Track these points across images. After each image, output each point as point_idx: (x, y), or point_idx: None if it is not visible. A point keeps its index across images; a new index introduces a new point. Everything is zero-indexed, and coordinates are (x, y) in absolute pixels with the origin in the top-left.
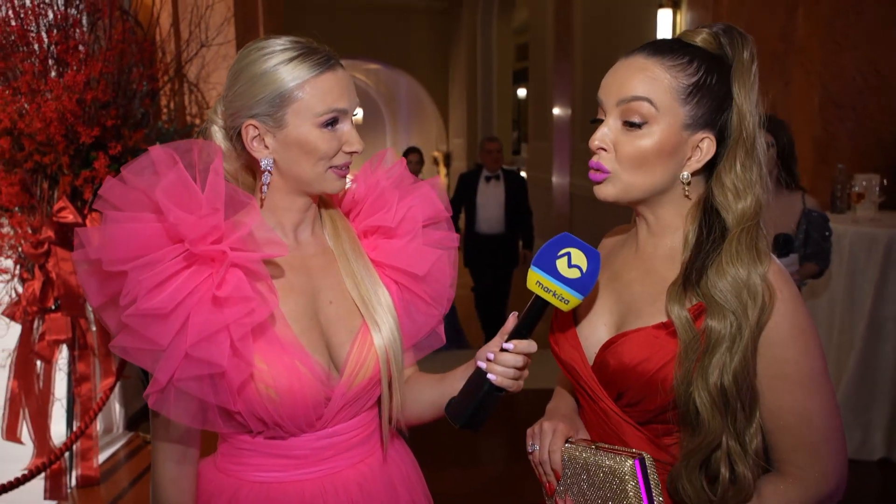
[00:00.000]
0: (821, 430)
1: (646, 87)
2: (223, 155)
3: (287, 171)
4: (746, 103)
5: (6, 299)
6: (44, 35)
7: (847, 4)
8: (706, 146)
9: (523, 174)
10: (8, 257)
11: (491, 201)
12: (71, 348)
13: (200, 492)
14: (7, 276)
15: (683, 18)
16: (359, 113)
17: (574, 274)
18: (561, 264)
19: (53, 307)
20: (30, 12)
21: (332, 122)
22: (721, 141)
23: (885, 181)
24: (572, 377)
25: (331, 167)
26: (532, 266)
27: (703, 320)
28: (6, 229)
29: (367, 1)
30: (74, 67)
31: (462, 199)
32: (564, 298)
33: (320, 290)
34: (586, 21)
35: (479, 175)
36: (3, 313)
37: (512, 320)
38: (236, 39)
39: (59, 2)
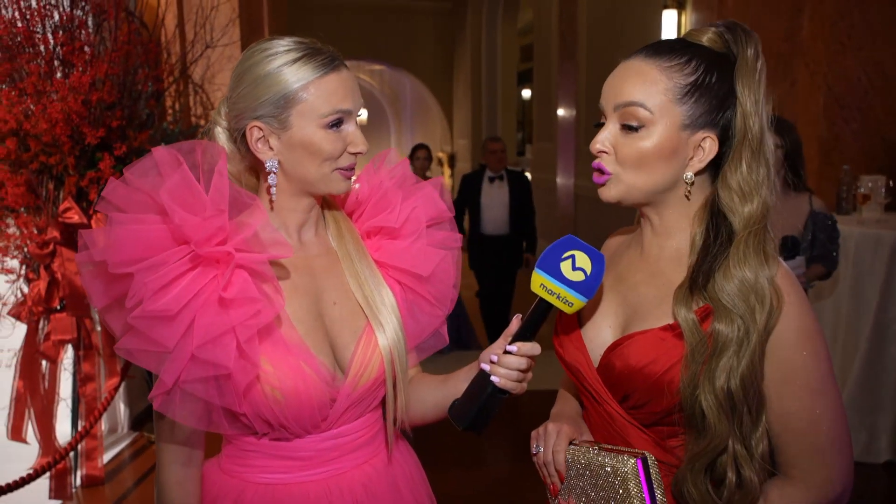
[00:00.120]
0: (827, 435)
1: (640, 91)
2: (227, 156)
3: (292, 172)
4: (750, 102)
5: (12, 299)
6: (49, 36)
7: (852, 5)
8: (708, 146)
9: (528, 175)
10: (14, 257)
11: (495, 202)
12: (76, 348)
13: (205, 493)
14: (13, 277)
15: (688, 19)
16: (363, 114)
17: (578, 277)
18: (565, 267)
19: (59, 307)
20: (36, 14)
21: (336, 123)
22: (725, 141)
23: (890, 182)
24: (577, 379)
25: (336, 169)
26: (536, 269)
27: (709, 322)
28: (12, 230)
29: (371, 2)
30: (80, 68)
31: (466, 200)
32: (568, 301)
33: (324, 290)
34: (591, 22)
35: (483, 176)
36: (8, 313)
37: (515, 322)
38: (241, 40)
39: (65, 3)
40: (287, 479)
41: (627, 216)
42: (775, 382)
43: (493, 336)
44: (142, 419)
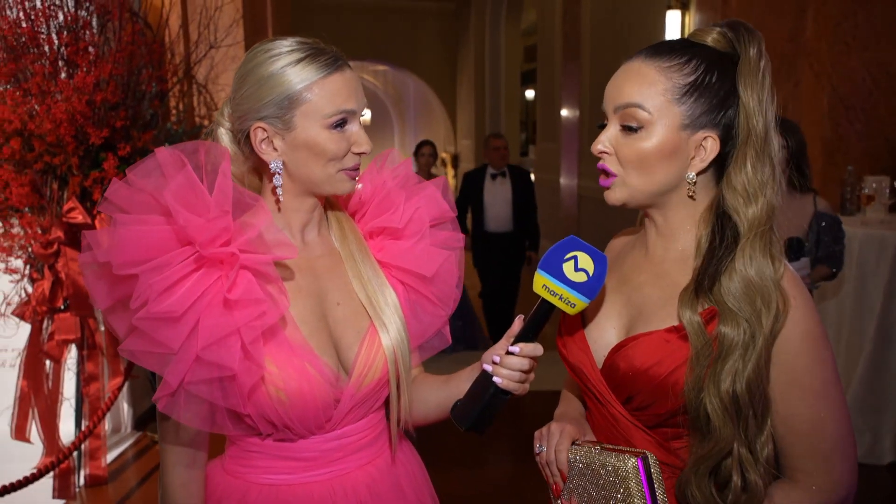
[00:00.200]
0: (832, 438)
1: (639, 92)
2: (230, 157)
3: (296, 173)
4: (753, 101)
5: (16, 299)
6: (54, 37)
7: (856, 5)
8: (709, 145)
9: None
10: (18, 257)
11: (498, 199)
12: (80, 348)
13: (209, 495)
14: (17, 276)
15: (692, 20)
16: (367, 114)
17: (580, 278)
18: (567, 268)
19: (62, 307)
20: (40, 14)
21: (340, 124)
22: (728, 140)
23: (894, 183)
24: (580, 380)
25: (341, 169)
26: (538, 269)
27: (714, 325)
28: (16, 229)
29: (375, 2)
30: (84, 69)
31: (468, 198)
32: (571, 302)
33: (328, 291)
34: (594, 22)
35: (485, 173)
36: (12, 313)
37: (518, 323)
38: (245, 41)
39: (70, 4)
40: (291, 480)
41: (631, 216)
42: (780, 385)
43: (496, 335)
44: (145, 419)
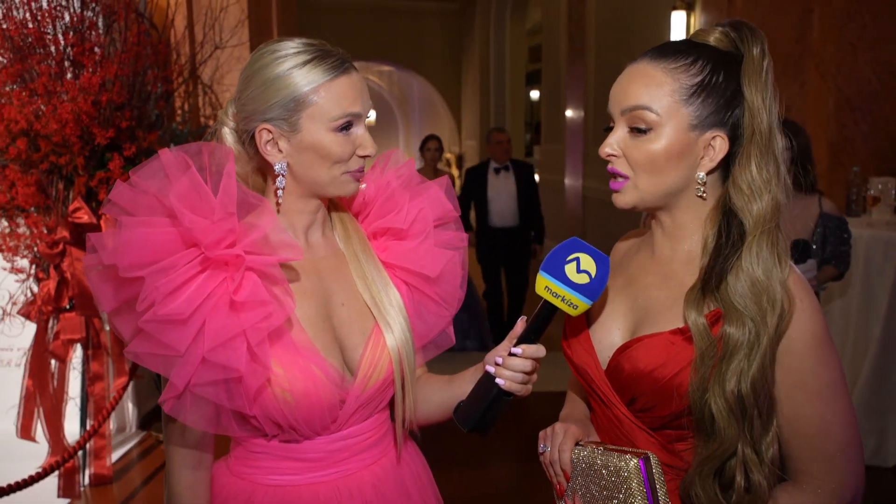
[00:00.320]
0: (838, 441)
1: (646, 94)
2: (234, 157)
3: (301, 175)
4: (757, 100)
5: (21, 299)
6: (60, 37)
7: (862, 6)
8: (718, 145)
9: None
10: (24, 257)
11: (502, 194)
12: (85, 348)
13: (214, 495)
14: (23, 276)
15: (697, 20)
16: (371, 115)
17: (583, 279)
18: (570, 269)
19: (68, 307)
20: (46, 15)
21: (346, 127)
22: (735, 139)
23: None
24: (585, 381)
25: (346, 172)
26: (541, 271)
27: (720, 326)
28: (22, 229)
29: (380, 3)
30: (90, 69)
31: (471, 193)
32: (573, 304)
33: (332, 292)
34: (600, 23)
35: (488, 168)
36: (18, 312)
37: (520, 324)
38: (250, 41)
39: (76, 4)
40: (297, 481)
41: (635, 216)
42: (786, 388)
43: (499, 335)
44: (150, 418)
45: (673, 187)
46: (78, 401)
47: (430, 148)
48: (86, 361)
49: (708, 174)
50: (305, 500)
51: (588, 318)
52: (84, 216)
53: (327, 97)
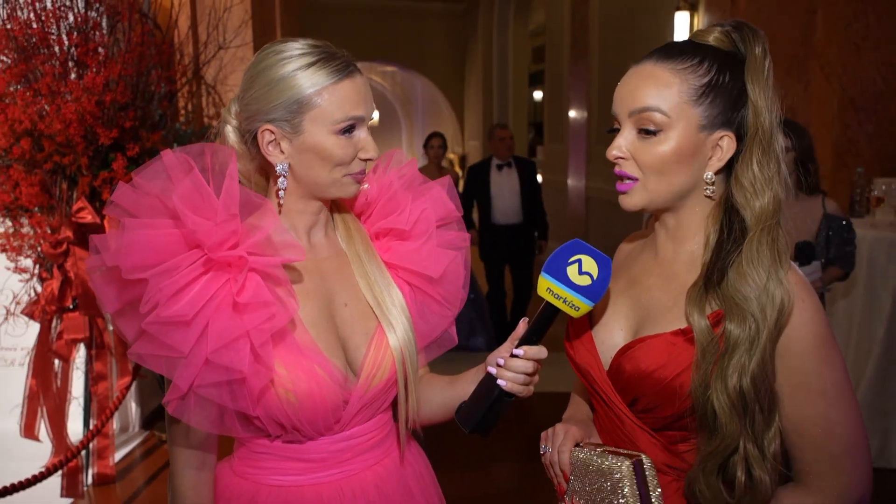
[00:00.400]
0: (844, 442)
1: (655, 95)
2: (237, 156)
3: (302, 176)
4: (761, 99)
5: (25, 298)
6: (64, 37)
7: (866, 6)
8: (726, 144)
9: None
10: (27, 257)
11: (505, 191)
12: (88, 347)
13: (218, 496)
14: (26, 276)
15: (701, 21)
16: (375, 116)
17: (585, 281)
18: (571, 271)
19: (71, 306)
20: (50, 15)
21: (348, 130)
22: (740, 139)
23: None
24: (587, 382)
25: (347, 174)
26: (542, 273)
27: (721, 326)
28: (26, 229)
29: (383, 3)
30: (94, 69)
31: (474, 191)
32: (575, 305)
33: (335, 292)
34: (603, 23)
35: (490, 165)
36: (22, 312)
37: (522, 326)
38: (254, 42)
39: (80, 4)
40: (300, 481)
41: (639, 217)
42: (790, 388)
43: (502, 335)
44: (153, 418)
45: (681, 188)
46: (81, 400)
47: (434, 145)
48: (89, 361)
49: (715, 173)
50: (308, 501)
51: (590, 319)
52: (88, 216)
53: (331, 100)
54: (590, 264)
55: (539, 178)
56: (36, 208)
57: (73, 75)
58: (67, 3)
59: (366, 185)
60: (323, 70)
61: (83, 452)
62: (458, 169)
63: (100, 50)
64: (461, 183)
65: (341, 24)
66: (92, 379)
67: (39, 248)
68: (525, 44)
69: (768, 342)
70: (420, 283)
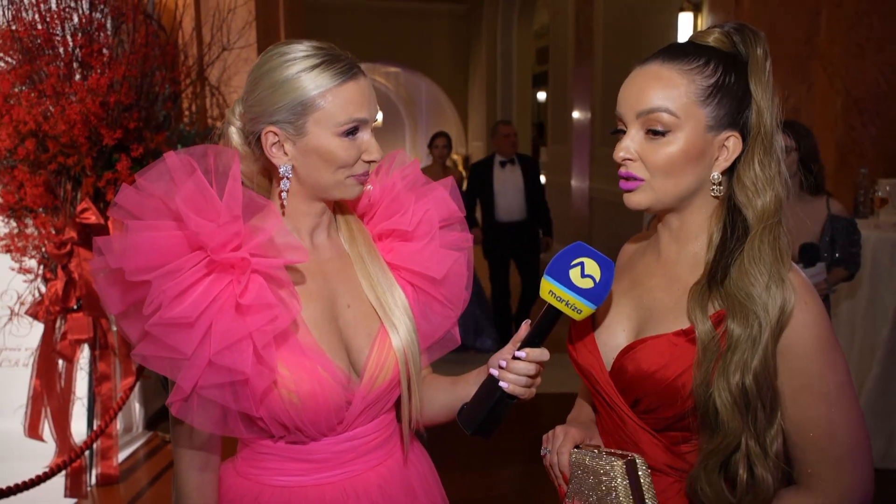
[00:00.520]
0: (846, 445)
1: (663, 96)
2: (240, 157)
3: (306, 177)
4: (764, 100)
5: (29, 299)
6: (69, 38)
7: (870, 7)
8: (732, 144)
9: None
10: (32, 257)
11: (509, 188)
12: (92, 348)
13: (222, 496)
14: (31, 276)
15: (704, 21)
16: (379, 117)
17: (587, 284)
18: (574, 274)
19: (75, 307)
20: (55, 16)
21: (352, 132)
22: (744, 139)
23: None
24: (589, 383)
25: (351, 175)
26: (545, 275)
27: (723, 325)
28: (30, 230)
29: (387, 4)
30: (98, 70)
31: (477, 189)
32: (577, 308)
33: (338, 293)
34: (607, 24)
35: (493, 162)
36: (26, 313)
37: (524, 328)
38: (258, 43)
39: (84, 6)
40: (303, 482)
41: (642, 218)
42: (792, 390)
43: (505, 335)
44: (156, 419)
45: (688, 188)
46: (85, 401)
47: (439, 145)
48: (93, 362)
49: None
50: (312, 501)
51: (593, 321)
52: (92, 217)
53: (334, 102)
54: (592, 267)
55: (542, 179)
56: (40, 209)
57: (77, 76)
58: (72, 5)
59: (369, 187)
60: (327, 72)
61: (87, 453)
62: (461, 169)
63: (104, 51)
64: (465, 183)
65: (345, 25)
66: (96, 379)
67: (44, 249)
68: (529, 45)
69: (770, 340)
70: (423, 284)
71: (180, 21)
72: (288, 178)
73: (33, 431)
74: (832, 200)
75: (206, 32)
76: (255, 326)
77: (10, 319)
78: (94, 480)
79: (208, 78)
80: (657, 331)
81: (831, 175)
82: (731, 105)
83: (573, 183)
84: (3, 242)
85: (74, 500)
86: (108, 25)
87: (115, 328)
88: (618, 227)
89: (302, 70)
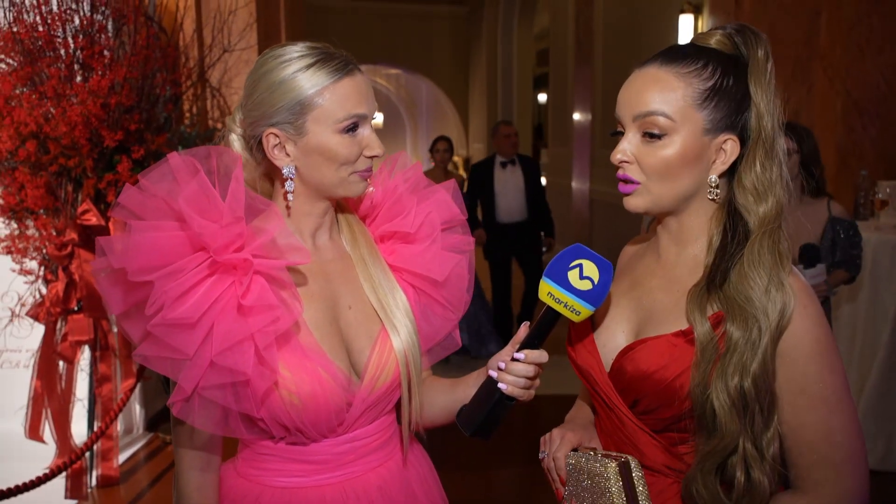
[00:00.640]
0: (843, 449)
1: (660, 99)
2: (242, 163)
3: (309, 177)
4: (764, 102)
5: (30, 300)
6: (70, 40)
7: (871, 9)
8: (730, 147)
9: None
10: (32, 259)
11: (510, 188)
12: (93, 349)
13: (222, 497)
14: (31, 278)
15: (705, 23)
16: (378, 117)
17: (586, 286)
18: (573, 276)
19: (76, 308)
20: (56, 18)
21: (352, 128)
22: (743, 142)
23: None
24: (588, 383)
25: (353, 172)
26: (544, 277)
27: (722, 327)
28: (31, 231)
29: (388, 6)
30: (99, 72)
31: (477, 190)
32: (576, 310)
33: (339, 295)
34: (607, 26)
35: (494, 163)
36: (27, 314)
37: (524, 330)
38: (258, 45)
39: (86, 7)
40: (303, 483)
41: (642, 220)
42: (790, 394)
43: (506, 336)
44: (157, 420)
45: (685, 191)
46: (86, 402)
47: (440, 149)
48: (93, 363)
49: (719, 177)
50: (312, 502)
51: (592, 322)
52: (92, 218)
53: (332, 99)
54: (591, 269)
55: (543, 180)
56: (41, 210)
57: (78, 78)
58: (73, 7)
59: (371, 189)
60: (322, 70)
61: (87, 454)
62: (462, 172)
63: (105, 53)
64: (465, 185)
65: (346, 26)
66: (96, 381)
67: (44, 250)
68: (529, 47)
69: (770, 344)
70: (424, 286)
71: (181, 23)
72: (291, 179)
73: (34, 433)
74: (833, 203)
75: (207, 34)
76: (257, 327)
77: (11, 321)
78: (94, 482)
79: (209, 80)
80: (657, 332)
81: (831, 177)
82: (729, 108)
83: (574, 185)
84: (4, 244)
85: (75, 502)
86: (110, 27)
87: (115, 329)
88: (618, 229)
89: (298, 70)
